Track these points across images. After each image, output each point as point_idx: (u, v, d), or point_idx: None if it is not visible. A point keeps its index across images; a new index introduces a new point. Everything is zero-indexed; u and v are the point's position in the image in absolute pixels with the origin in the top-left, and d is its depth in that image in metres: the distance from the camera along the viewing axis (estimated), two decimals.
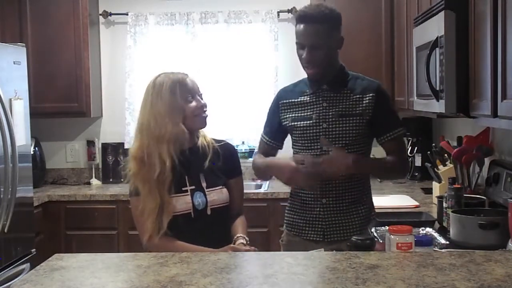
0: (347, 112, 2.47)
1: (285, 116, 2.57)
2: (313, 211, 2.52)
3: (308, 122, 2.50)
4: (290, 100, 2.57)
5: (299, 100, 2.55)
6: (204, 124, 2.40)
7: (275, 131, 2.63)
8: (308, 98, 2.53)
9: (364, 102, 2.47)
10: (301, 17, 2.45)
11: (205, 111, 2.39)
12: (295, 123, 2.53)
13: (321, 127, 2.48)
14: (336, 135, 2.47)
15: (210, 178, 2.39)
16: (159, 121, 2.29)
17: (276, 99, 2.64)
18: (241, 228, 2.41)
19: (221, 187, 2.41)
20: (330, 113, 2.48)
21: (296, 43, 2.47)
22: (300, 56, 2.47)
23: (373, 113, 2.47)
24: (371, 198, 2.62)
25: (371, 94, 2.48)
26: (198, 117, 2.35)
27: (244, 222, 2.47)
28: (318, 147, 2.48)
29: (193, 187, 2.36)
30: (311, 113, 2.51)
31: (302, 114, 2.53)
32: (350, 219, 2.51)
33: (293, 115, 2.55)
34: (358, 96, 2.49)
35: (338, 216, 2.50)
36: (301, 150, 2.53)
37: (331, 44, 2.45)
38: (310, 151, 2.50)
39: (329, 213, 2.50)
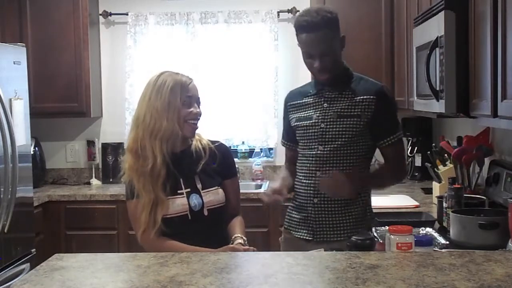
0: (346, 112, 2.48)
1: (291, 117, 2.62)
2: (305, 210, 2.54)
3: (309, 122, 2.53)
4: (295, 102, 2.62)
5: (303, 101, 2.59)
6: (191, 134, 2.37)
7: (290, 134, 2.66)
8: (312, 99, 2.56)
9: (364, 103, 2.47)
10: (304, 26, 2.42)
11: (198, 119, 2.37)
12: (298, 123, 2.57)
13: (319, 127, 2.50)
14: (333, 135, 2.48)
15: (205, 180, 2.39)
16: (155, 116, 2.29)
17: (285, 102, 2.70)
18: (238, 228, 2.41)
19: (216, 187, 2.40)
20: (329, 113, 2.50)
21: (303, 52, 2.47)
22: (309, 64, 2.48)
23: (373, 115, 2.46)
24: (368, 200, 2.60)
25: (372, 96, 2.47)
26: (188, 124, 2.33)
27: (241, 222, 2.46)
28: (315, 145, 2.51)
29: (188, 189, 2.35)
30: (313, 113, 2.53)
31: (304, 115, 2.56)
32: (341, 220, 2.51)
33: (297, 115, 2.59)
34: (359, 97, 2.48)
35: (329, 216, 2.51)
36: (302, 149, 2.57)
37: (337, 47, 2.47)
38: (309, 150, 2.53)
39: (320, 213, 2.51)
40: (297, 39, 2.48)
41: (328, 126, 2.49)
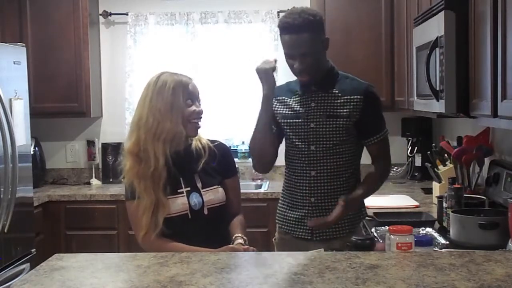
0: (335, 112, 2.47)
1: (277, 112, 2.59)
2: (302, 210, 2.53)
3: (297, 121, 2.52)
4: (282, 98, 2.59)
5: (291, 99, 2.57)
6: (195, 133, 2.38)
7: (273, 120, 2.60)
8: (299, 98, 2.55)
9: (352, 103, 2.47)
10: (286, 28, 2.41)
11: (200, 118, 2.37)
12: (285, 120, 2.55)
13: (309, 126, 2.49)
14: (323, 135, 2.48)
15: (205, 179, 2.39)
16: (158, 118, 2.28)
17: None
18: (239, 228, 2.41)
19: (216, 186, 2.40)
20: (318, 114, 2.49)
21: (285, 53, 2.46)
22: (291, 65, 2.46)
23: (361, 115, 2.46)
24: None
25: (359, 96, 2.47)
26: (192, 124, 2.34)
27: (242, 222, 2.46)
28: (306, 145, 2.50)
29: (188, 188, 2.35)
30: (300, 112, 2.52)
31: (291, 113, 2.54)
32: None
33: (284, 112, 2.57)
34: (346, 97, 2.48)
35: (327, 214, 2.49)
36: (292, 147, 2.56)
37: (318, 49, 2.44)
38: (298, 149, 2.52)
39: (317, 212, 2.51)
40: (280, 40, 2.48)
41: (318, 126, 2.48)
